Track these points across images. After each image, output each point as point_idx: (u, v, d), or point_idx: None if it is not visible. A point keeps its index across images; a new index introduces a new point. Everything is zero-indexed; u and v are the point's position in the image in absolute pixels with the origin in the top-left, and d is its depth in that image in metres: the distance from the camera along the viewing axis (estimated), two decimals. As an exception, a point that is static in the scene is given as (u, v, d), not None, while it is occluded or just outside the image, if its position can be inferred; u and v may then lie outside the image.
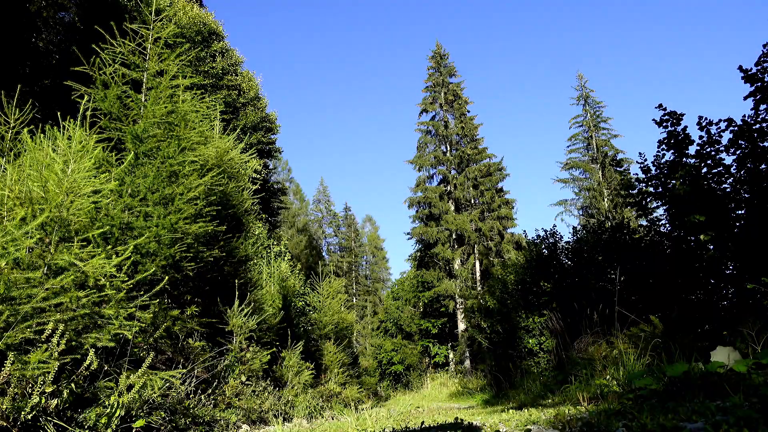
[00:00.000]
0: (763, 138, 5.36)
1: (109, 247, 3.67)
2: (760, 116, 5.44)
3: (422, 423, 4.12)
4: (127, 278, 3.18)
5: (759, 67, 5.39)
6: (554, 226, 12.82)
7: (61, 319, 2.74)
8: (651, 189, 6.55)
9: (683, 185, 5.84)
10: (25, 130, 4.07)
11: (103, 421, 2.82)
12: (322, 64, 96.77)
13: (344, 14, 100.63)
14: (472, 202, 22.86)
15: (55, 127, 4.11)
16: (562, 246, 10.42)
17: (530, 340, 9.74)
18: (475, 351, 18.43)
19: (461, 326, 20.72)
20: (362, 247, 46.57)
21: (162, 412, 3.46)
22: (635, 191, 7.02)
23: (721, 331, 4.54)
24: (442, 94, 24.05)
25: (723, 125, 5.73)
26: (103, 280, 3.01)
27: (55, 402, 2.66)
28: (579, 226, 11.83)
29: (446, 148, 23.63)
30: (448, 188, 22.96)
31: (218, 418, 4.33)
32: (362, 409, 7.97)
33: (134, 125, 4.56)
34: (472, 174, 22.46)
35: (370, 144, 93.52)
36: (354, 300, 41.06)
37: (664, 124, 6.30)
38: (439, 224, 22.05)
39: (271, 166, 24.77)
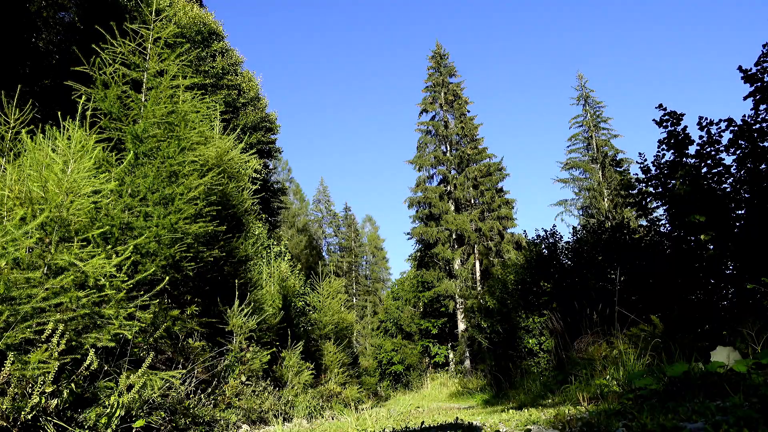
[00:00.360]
0: (763, 138, 5.35)
1: (109, 247, 3.67)
2: (760, 116, 5.44)
3: (422, 423, 4.12)
4: (127, 278, 3.18)
5: (759, 67, 5.39)
6: (554, 226, 12.82)
7: (61, 319, 2.74)
8: (651, 189, 6.55)
9: (683, 185, 5.84)
10: (25, 130, 4.07)
11: (103, 421, 2.82)
12: (322, 65, 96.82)
13: (344, 14, 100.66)
14: (472, 202, 22.85)
15: (54, 127, 4.12)
16: (562, 246, 10.42)
17: (530, 340, 9.74)
18: (475, 351, 18.42)
19: (461, 326, 20.71)
20: (362, 247, 46.56)
21: (162, 412, 3.46)
22: (635, 191, 7.02)
23: (721, 331, 4.54)
24: (442, 94, 24.04)
25: (723, 125, 5.73)
26: (103, 280, 3.01)
27: (55, 402, 2.66)
28: (579, 226, 11.83)
29: (446, 148, 23.62)
30: (448, 188, 22.95)
31: (218, 418, 4.33)
32: (362, 409, 7.97)
33: (134, 125, 4.56)
34: (472, 174, 22.45)
35: (370, 144, 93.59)
36: (354, 300, 41.05)
37: (664, 124, 6.30)
38: (439, 224, 22.04)
39: (271, 166, 24.77)
